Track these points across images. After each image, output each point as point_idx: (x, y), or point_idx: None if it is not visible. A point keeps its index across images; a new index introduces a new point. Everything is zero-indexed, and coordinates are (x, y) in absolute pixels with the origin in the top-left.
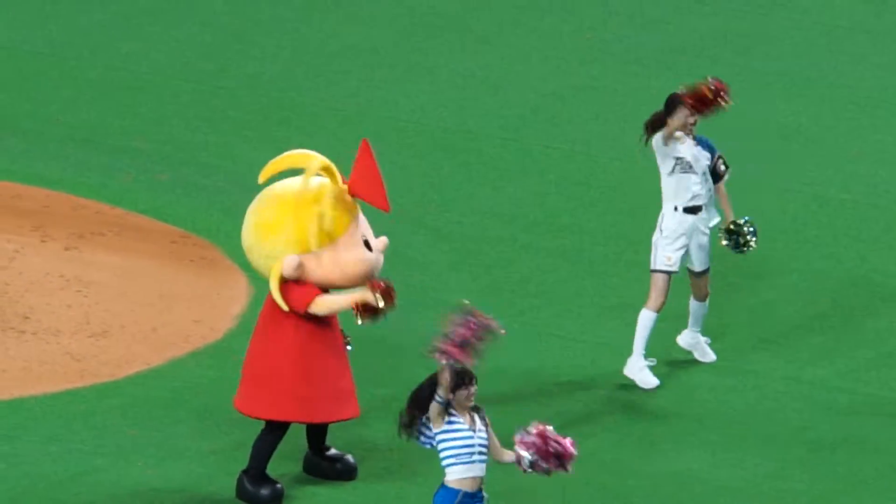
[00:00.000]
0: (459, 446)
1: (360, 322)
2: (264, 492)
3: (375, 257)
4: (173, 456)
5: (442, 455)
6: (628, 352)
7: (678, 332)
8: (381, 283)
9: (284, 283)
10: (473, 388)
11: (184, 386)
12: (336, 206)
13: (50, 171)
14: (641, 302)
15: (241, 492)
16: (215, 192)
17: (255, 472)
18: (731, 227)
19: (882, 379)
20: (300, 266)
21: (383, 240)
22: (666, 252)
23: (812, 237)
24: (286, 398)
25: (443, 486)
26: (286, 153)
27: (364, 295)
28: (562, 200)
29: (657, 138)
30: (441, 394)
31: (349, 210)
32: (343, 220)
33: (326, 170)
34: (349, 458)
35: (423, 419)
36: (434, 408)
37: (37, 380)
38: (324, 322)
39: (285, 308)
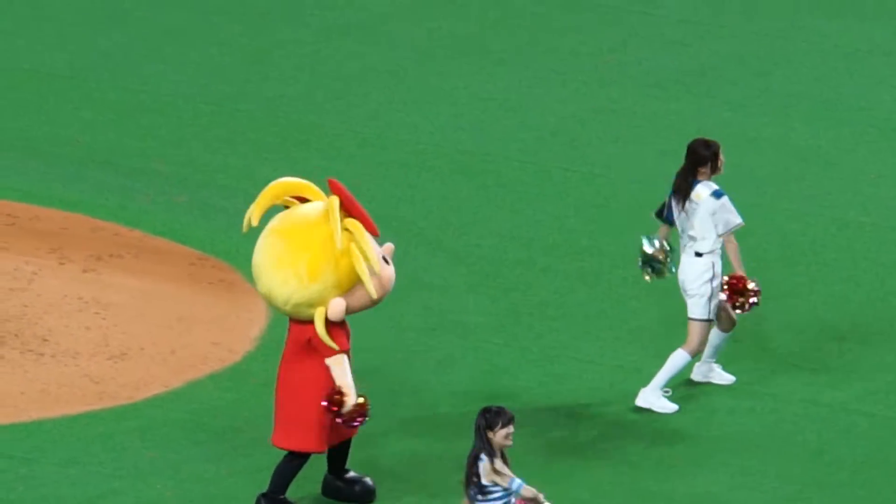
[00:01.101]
0: (501, 495)
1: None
2: None
3: (392, 268)
4: (192, 478)
5: (480, 494)
6: (647, 375)
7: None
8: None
9: (331, 324)
10: (512, 428)
11: (202, 408)
12: (365, 240)
13: (68, 193)
14: (660, 325)
15: None
16: (234, 214)
17: (274, 496)
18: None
19: None
20: (347, 308)
21: (389, 246)
22: (716, 300)
23: (831, 260)
24: (316, 429)
25: None
26: (270, 185)
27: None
28: (580, 223)
29: (726, 215)
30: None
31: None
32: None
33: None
34: (368, 480)
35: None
36: (486, 469)
37: (55, 402)
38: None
39: (336, 348)
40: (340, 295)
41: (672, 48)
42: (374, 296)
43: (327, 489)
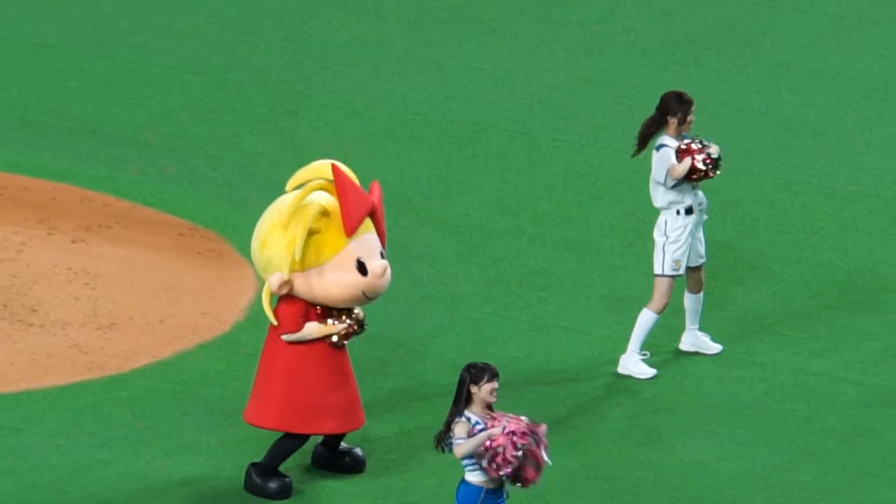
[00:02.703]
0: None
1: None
2: (272, 485)
3: (367, 281)
4: (181, 448)
5: (468, 459)
6: None
7: (679, 318)
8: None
9: (286, 295)
10: (497, 384)
11: (191, 378)
12: (328, 225)
13: (57, 164)
14: (648, 294)
15: (248, 484)
16: (223, 184)
17: (267, 468)
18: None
19: (889, 370)
20: (285, 284)
21: (382, 264)
22: (674, 256)
23: (819, 229)
24: (273, 408)
25: (464, 482)
26: (312, 164)
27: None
28: (569, 193)
29: (663, 169)
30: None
31: (341, 232)
32: (334, 242)
33: (329, 188)
34: (358, 451)
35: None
36: (462, 427)
37: (44, 372)
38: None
39: (273, 322)
40: (289, 272)
41: (660, 17)
42: (285, 276)
43: (317, 460)
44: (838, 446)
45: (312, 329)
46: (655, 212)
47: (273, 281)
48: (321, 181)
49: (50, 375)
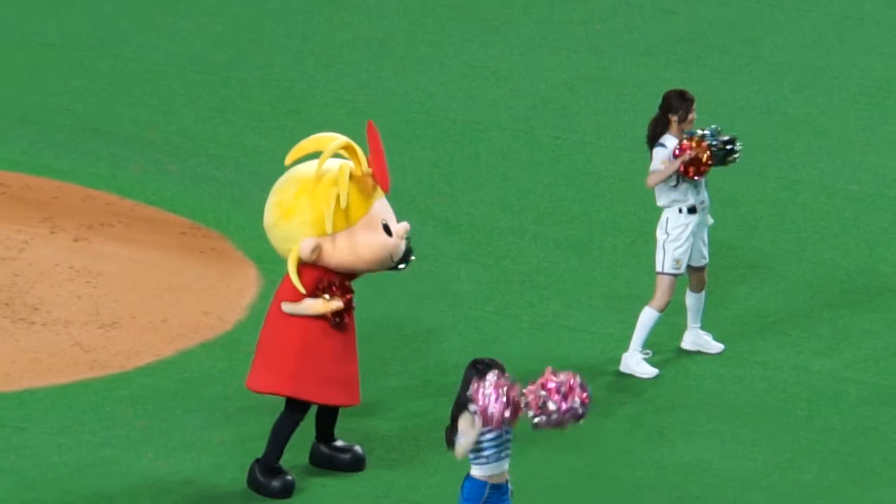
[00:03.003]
0: (493, 445)
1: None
2: (275, 483)
3: (395, 243)
4: (183, 447)
5: (472, 453)
6: None
7: (681, 317)
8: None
9: (301, 265)
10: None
11: (193, 377)
12: (354, 187)
13: (59, 162)
14: (650, 293)
15: (252, 482)
16: (225, 183)
17: (270, 460)
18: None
19: (891, 369)
20: (317, 248)
21: (404, 225)
22: (675, 255)
23: (820, 228)
24: (287, 374)
25: (469, 477)
26: (313, 136)
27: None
28: (571, 191)
29: (662, 159)
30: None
31: (368, 193)
32: (361, 204)
33: (348, 149)
34: (358, 448)
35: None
36: (466, 420)
37: (46, 371)
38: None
39: (302, 290)
40: (317, 236)
41: (662, 16)
42: (328, 230)
43: (316, 458)
44: (840, 445)
45: (310, 304)
46: (657, 210)
47: (305, 246)
48: (339, 144)
49: (52, 374)
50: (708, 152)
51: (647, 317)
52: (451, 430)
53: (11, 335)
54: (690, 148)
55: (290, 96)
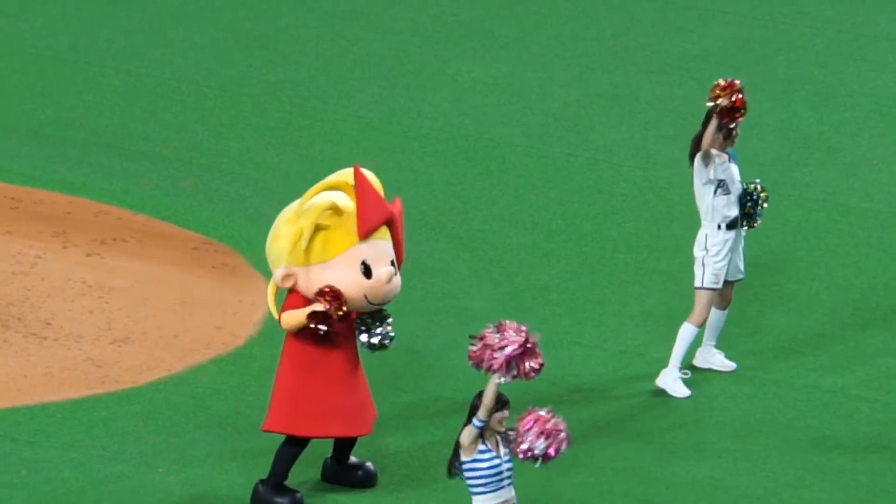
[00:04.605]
0: (489, 474)
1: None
2: (281, 500)
3: (370, 284)
4: (194, 462)
5: (470, 483)
6: (650, 360)
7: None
8: (328, 289)
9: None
10: (507, 412)
11: (205, 392)
12: (340, 224)
13: (72, 177)
14: (663, 310)
15: (258, 501)
16: (238, 198)
17: (274, 481)
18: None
19: None
20: (289, 277)
21: (387, 270)
22: (714, 270)
23: (833, 246)
24: (282, 411)
25: None
26: (341, 171)
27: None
28: (584, 208)
29: (698, 160)
30: (482, 415)
31: (352, 232)
32: (343, 240)
33: (345, 187)
34: (369, 465)
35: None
36: (470, 434)
37: (58, 386)
38: (337, 336)
39: (275, 316)
40: (293, 265)
41: (675, 33)
42: (285, 262)
43: (327, 474)
44: (852, 463)
45: (292, 313)
46: (669, 229)
47: (277, 273)
48: (337, 180)
49: (64, 389)
50: (739, 95)
51: (687, 333)
52: (454, 460)
53: (24, 350)
54: (720, 96)
55: (303, 112)
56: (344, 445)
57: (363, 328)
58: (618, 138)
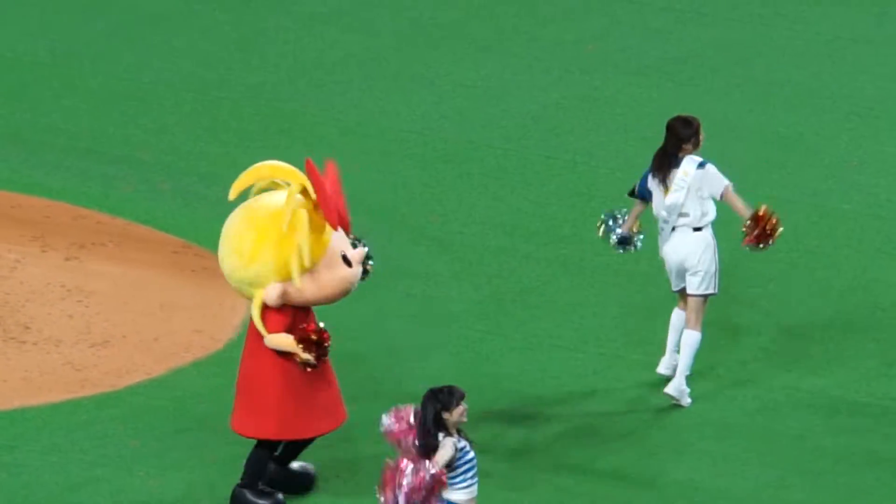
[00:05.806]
0: (470, 467)
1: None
2: (263, 502)
3: (354, 272)
4: (175, 466)
5: (455, 478)
6: (630, 362)
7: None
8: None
9: (265, 308)
10: (466, 404)
11: (185, 395)
12: (313, 233)
13: (51, 181)
14: (642, 313)
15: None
16: (217, 202)
17: (252, 484)
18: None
19: (883, 389)
20: (283, 294)
21: (360, 251)
22: (709, 275)
23: (813, 247)
24: (272, 417)
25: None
26: (256, 165)
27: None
28: (563, 210)
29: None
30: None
31: (322, 227)
32: (319, 243)
33: (304, 191)
34: (310, 467)
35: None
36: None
37: (38, 389)
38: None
39: (265, 333)
40: (281, 281)
41: (654, 36)
42: (298, 284)
43: (274, 481)
44: (831, 465)
45: (283, 340)
46: (649, 231)
47: (271, 292)
48: (292, 186)
49: (43, 393)
50: (774, 220)
51: (694, 339)
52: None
53: (3, 354)
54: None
55: (282, 115)
56: (294, 450)
57: None
58: (597, 141)
